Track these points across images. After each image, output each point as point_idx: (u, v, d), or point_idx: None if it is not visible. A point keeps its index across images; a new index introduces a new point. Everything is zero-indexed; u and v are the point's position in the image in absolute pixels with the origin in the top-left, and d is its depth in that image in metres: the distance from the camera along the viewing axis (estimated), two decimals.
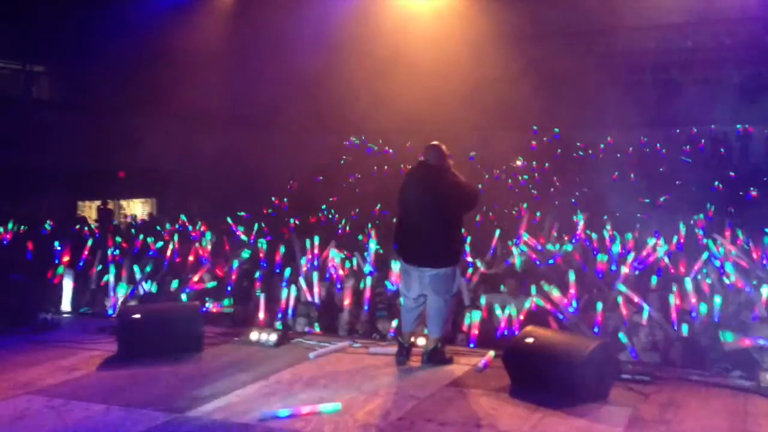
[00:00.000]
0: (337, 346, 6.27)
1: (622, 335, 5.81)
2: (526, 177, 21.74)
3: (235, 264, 8.90)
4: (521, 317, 6.84)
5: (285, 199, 20.51)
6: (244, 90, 20.59)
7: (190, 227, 13.72)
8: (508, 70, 22.66)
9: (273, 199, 20.10)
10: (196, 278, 8.46)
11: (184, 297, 7.99)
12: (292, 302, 7.55)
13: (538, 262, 9.41)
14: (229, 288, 8.54)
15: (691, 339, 6.52)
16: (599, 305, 6.90)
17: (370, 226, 13.09)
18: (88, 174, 18.25)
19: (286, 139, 23.41)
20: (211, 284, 8.48)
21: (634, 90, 24.19)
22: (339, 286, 8.48)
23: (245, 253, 9.81)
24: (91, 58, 17.54)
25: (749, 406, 4.68)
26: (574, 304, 7.05)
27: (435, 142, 5.87)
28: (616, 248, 9.93)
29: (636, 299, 7.06)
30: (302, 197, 20.68)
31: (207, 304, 7.68)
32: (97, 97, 18.80)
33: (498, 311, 7.03)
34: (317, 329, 7.37)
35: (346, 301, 7.58)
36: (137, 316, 6.13)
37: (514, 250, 9.61)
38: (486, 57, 22.23)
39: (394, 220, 6.99)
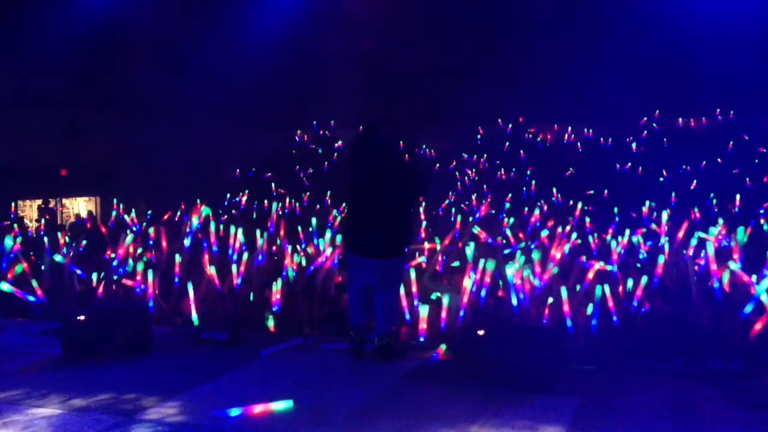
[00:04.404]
0: (289, 344, 6.23)
1: (569, 322, 5.94)
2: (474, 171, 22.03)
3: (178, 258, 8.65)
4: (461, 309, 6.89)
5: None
6: (191, 84, 20.29)
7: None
8: (454, 64, 22.87)
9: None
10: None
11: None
12: None
13: (491, 242, 9.55)
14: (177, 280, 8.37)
15: (635, 327, 6.68)
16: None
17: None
18: (27, 171, 17.70)
19: (235, 134, 23.18)
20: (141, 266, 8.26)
21: (580, 84, 24.63)
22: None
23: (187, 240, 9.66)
24: (29, 49, 16.98)
25: (693, 392, 4.82)
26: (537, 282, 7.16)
27: (382, 127, 5.84)
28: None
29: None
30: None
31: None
32: (36, 91, 18.22)
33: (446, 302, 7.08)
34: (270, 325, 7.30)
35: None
36: (81, 317, 5.98)
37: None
38: (431, 50, 22.40)
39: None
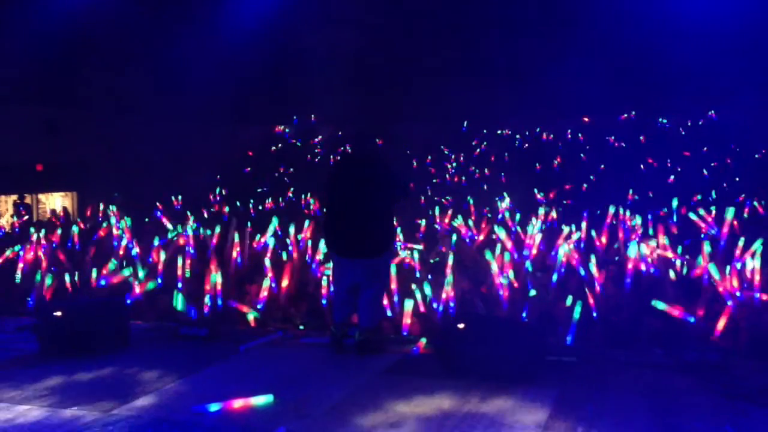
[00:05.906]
0: (268, 338, 6.21)
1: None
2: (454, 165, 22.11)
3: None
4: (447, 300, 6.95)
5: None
6: (169, 80, 20.12)
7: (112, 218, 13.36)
8: (438, 62, 22.91)
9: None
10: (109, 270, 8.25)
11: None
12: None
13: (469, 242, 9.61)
14: (159, 279, 8.35)
15: (613, 320, 6.75)
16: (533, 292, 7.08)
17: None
18: (2, 167, 17.48)
19: (214, 131, 23.05)
20: (127, 270, 8.24)
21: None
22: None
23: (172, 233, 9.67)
24: (6, 45, 16.73)
25: (670, 382, 4.88)
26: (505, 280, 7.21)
27: (366, 133, 5.92)
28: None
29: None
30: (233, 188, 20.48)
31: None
32: (10, 87, 17.98)
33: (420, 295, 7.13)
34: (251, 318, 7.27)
35: None
36: (58, 312, 5.90)
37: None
38: (417, 48, 22.40)
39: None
